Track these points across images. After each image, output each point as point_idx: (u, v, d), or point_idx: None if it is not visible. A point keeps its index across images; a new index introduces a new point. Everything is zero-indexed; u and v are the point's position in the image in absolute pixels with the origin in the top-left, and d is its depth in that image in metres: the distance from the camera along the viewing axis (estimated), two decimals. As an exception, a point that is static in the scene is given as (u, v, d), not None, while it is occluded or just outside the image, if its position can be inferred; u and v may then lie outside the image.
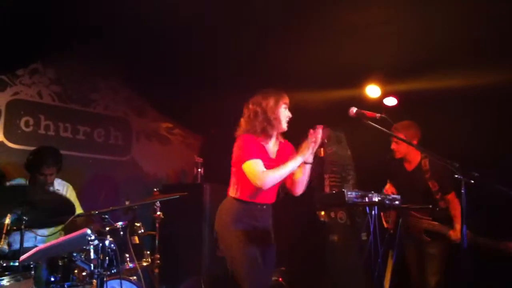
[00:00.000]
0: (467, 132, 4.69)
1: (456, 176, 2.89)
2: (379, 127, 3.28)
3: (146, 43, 4.88)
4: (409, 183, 4.23)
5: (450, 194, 4.12)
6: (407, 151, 4.28)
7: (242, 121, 3.43)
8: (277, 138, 3.45)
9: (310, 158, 3.31)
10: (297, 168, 3.30)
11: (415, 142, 4.13)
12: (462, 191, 2.88)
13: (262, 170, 3.19)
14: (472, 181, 2.89)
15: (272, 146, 3.44)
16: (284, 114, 3.37)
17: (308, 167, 3.33)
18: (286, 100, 3.40)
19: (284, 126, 3.38)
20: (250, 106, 3.41)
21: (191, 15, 4.23)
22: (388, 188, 4.37)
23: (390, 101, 5.28)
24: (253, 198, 3.33)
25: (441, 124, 4.62)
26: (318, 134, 3.23)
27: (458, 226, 3.98)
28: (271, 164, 3.28)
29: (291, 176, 3.36)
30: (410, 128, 4.24)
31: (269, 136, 3.39)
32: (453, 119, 4.77)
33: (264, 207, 3.39)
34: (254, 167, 3.20)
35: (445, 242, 4.02)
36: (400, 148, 4.29)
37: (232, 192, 3.40)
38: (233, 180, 3.41)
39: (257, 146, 3.33)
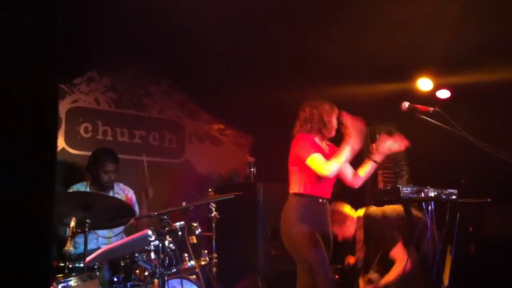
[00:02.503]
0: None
1: None
2: (433, 121, 3.23)
3: (195, 47, 4.97)
4: None
5: None
6: None
7: (298, 122, 3.69)
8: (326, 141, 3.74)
9: (377, 157, 3.62)
10: (364, 165, 3.65)
11: None
12: None
13: (325, 161, 3.45)
14: None
15: (324, 147, 3.68)
16: (335, 122, 3.63)
17: (373, 165, 3.63)
18: (337, 111, 3.66)
19: (333, 133, 3.65)
20: (307, 109, 3.67)
21: (237, 15, 4.29)
22: None
23: (443, 94, 5.17)
24: (314, 192, 3.55)
25: (496, 117, 4.48)
26: (356, 123, 3.48)
27: None
28: (328, 158, 3.53)
29: (356, 173, 3.66)
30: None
31: (323, 138, 3.66)
32: (508, 112, 4.62)
33: (324, 201, 3.61)
34: (318, 160, 3.45)
35: None
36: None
37: (293, 188, 3.59)
38: (293, 178, 3.61)
39: (315, 143, 3.59)
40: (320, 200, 3.58)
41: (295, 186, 3.58)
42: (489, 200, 3.85)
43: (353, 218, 4.23)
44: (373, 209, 4.11)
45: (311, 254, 3.42)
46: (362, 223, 4.18)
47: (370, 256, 4.21)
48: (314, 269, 3.41)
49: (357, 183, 3.71)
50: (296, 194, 3.56)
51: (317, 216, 3.53)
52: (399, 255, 3.94)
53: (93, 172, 4.43)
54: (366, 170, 3.66)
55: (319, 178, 3.52)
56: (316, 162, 3.45)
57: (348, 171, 3.71)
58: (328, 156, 3.54)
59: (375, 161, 3.63)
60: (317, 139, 3.64)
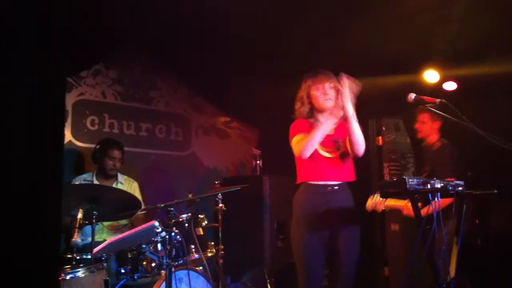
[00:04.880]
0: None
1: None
2: (439, 112, 3.23)
3: (200, 41, 4.98)
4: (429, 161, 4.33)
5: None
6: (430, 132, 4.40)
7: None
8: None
9: (339, 113, 3.24)
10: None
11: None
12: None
13: (300, 140, 3.25)
14: None
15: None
16: (323, 93, 3.33)
17: (349, 122, 3.18)
18: (314, 81, 3.38)
19: (325, 104, 3.32)
20: (298, 94, 3.48)
21: (242, 8, 4.28)
22: None
23: (450, 86, 5.15)
24: (319, 179, 3.30)
25: (503, 109, 4.46)
26: (351, 83, 3.19)
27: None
28: (328, 139, 3.30)
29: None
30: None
31: (317, 117, 3.40)
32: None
33: (336, 187, 3.31)
34: (294, 142, 3.30)
35: None
36: (424, 128, 4.40)
37: (299, 178, 3.43)
38: (297, 167, 3.45)
39: (303, 126, 3.38)
40: (329, 188, 3.29)
41: (299, 174, 3.40)
42: (495, 191, 3.85)
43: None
44: None
45: (300, 260, 3.28)
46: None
47: None
48: (299, 275, 3.28)
49: (355, 151, 3.28)
50: (302, 183, 3.38)
51: (320, 207, 3.25)
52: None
53: (98, 159, 4.54)
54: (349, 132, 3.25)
55: (322, 161, 3.28)
56: (293, 145, 3.30)
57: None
58: (331, 137, 3.32)
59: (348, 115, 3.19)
60: (312, 121, 3.39)
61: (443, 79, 5.14)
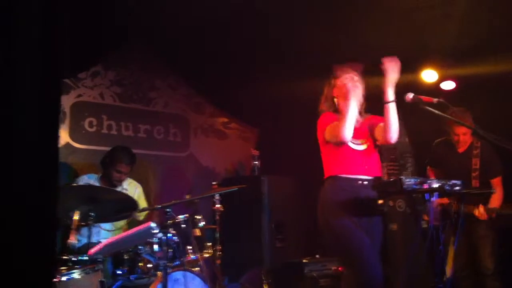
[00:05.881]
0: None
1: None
2: (437, 112, 3.22)
3: (199, 41, 4.97)
4: (458, 165, 4.20)
5: (496, 178, 4.08)
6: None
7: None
8: (360, 113, 3.33)
9: (389, 97, 3.14)
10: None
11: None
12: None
13: (335, 127, 3.17)
14: None
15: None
16: (344, 85, 3.24)
17: (389, 107, 3.14)
18: (348, 70, 3.33)
19: (352, 92, 3.20)
20: (324, 88, 3.45)
21: (242, 7, 4.27)
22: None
23: (448, 85, 5.14)
24: (349, 172, 3.21)
25: (500, 109, 4.44)
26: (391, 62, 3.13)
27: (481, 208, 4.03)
28: (356, 131, 3.22)
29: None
30: (467, 114, 4.15)
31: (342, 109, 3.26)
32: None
33: (365, 182, 3.23)
34: (329, 130, 3.22)
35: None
36: (466, 139, 4.23)
37: (326, 172, 3.31)
38: (324, 161, 3.34)
39: (331, 117, 3.30)
40: (360, 182, 3.21)
41: (327, 168, 3.29)
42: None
43: None
44: None
45: (351, 245, 3.11)
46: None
47: None
48: (357, 263, 3.08)
49: (388, 137, 3.21)
50: (330, 177, 3.23)
51: (356, 201, 3.14)
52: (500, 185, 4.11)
53: (106, 168, 4.45)
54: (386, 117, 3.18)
55: (351, 155, 3.21)
56: (329, 132, 3.21)
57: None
58: (357, 130, 3.24)
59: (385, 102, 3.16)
60: (338, 115, 3.27)
61: (441, 79, 5.12)
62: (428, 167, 4.54)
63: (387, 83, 3.15)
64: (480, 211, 4.04)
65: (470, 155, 4.22)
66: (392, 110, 3.16)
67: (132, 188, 4.61)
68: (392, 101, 3.15)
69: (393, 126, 3.17)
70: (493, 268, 4.06)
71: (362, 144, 3.30)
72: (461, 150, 4.31)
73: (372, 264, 3.05)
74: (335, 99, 3.35)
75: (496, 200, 4.05)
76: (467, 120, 4.03)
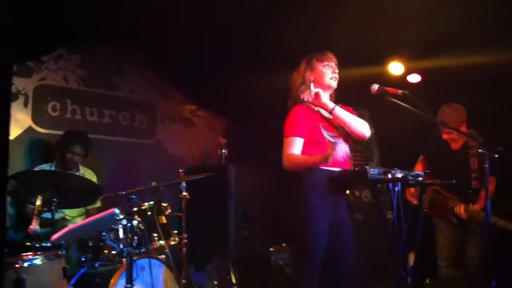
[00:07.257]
0: (493, 111, 4.61)
1: (480, 150, 2.88)
2: (403, 103, 3.27)
3: (169, 26, 4.90)
4: (451, 162, 4.24)
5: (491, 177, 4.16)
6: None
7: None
8: (332, 99, 3.32)
9: (329, 106, 3.21)
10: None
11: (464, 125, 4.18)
12: (486, 165, 2.87)
13: (291, 152, 3.13)
14: (496, 155, 2.89)
15: (323, 114, 3.32)
16: (324, 73, 3.27)
17: (336, 113, 3.19)
18: (324, 57, 3.33)
19: (331, 82, 3.26)
20: (294, 76, 3.39)
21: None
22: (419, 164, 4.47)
23: (414, 78, 5.22)
24: (327, 164, 3.08)
25: (467, 102, 4.53)
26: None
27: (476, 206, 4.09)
28: (329, 124, 3.25)
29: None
30: (459, 112, 4.22)
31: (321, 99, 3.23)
32: (479, 98, 4.67)
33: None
34: (286, 146, 3.16)
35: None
36: (455, 137, 4.26)
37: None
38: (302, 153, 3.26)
39: (303, 120, 3.21)
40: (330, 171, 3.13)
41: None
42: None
43: None
44: None
45: (308, 235, 3.10)
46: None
47: None
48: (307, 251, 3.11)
49: (359, 137, 3.29)
50: (309, 169, 3.13)
51: (331, 193, 3.13)
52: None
53: (60, 150, 4.46)
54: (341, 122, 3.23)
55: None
56: (285, 148, 3.17)
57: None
58: (332, 121, 3.25)
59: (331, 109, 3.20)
60: (313, 106, 3.27)
61: (408, 71, 5.20)
62: (422, 157, 4.57)
63: (321, 101, 3.19)
64: (459, 210, 4.12)
65: (466, 154, 4.25)
66: (341, 114, 3.22)
67: (90, 175, 4.56)
68: (334, 107, 3.21)
69: (353, 125, 3.24)
70: (478, 260, 4.11)
71: (337, 136, 3.26)
72: (454, 147, 4.35)
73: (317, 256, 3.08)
74: (312, 83, 3.27)
75: (483, 201, 3.99)
76: (457, 118, 4.11)
